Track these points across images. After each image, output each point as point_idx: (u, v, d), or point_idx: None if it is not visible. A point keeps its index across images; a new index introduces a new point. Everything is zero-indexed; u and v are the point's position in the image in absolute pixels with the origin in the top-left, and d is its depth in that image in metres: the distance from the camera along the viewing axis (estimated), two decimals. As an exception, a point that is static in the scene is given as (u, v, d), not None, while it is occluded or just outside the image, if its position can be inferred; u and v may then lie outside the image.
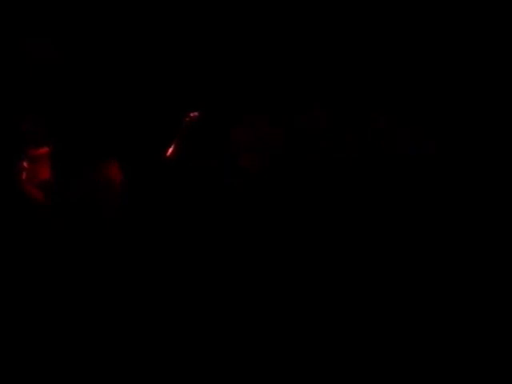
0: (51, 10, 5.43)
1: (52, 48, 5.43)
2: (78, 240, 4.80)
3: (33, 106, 5.30)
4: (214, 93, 5.42)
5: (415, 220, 4.74)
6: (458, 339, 4.21)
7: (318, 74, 5.46)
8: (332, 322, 4.34)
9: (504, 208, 4.74)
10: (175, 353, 4.21)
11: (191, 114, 5.32)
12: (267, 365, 4.16)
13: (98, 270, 4.65)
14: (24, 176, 5.10)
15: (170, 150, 5.25)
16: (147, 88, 5.47)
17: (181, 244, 4.77)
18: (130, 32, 5.50)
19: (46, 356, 4.15)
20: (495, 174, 4.89)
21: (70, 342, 4.23)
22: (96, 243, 4.78)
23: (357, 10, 5.47)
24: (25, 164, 5.12)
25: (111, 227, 4.86)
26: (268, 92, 5.38)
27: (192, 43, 5.50)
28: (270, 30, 5.47)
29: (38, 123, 5.23)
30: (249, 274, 4.59)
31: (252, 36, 5.45)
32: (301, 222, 4.81)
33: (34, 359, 4.13)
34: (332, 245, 4.68)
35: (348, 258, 4.62)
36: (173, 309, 4.45)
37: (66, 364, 4.14)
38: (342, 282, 4.52)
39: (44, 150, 5.16)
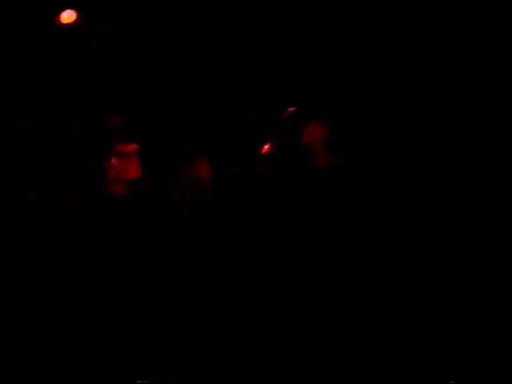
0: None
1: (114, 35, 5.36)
2: (162, 238, 4.70)
3: (121, 102, 5.23)
4: (310, 87, 5.29)
5: (415, 220, 4.73)
6: (458, 339, 4.21)
7: (317, 75, 5.45)
8: (333, 323, 4.33)
9: (504, 208, 4.74)
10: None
11: (289, 109, 5.12)
12: (267, 365, 4.16)
13: (181, 267, 4.55)
14: (112, 173, 5.01)
15: (265, 147, 5.08)
16: (239, 83, 5.37)
17: (266, 248, 4.64)
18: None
19: (46, 356, 4.15)
20: (495, 174, 4.88)
21: (78, 344, 4.19)
22: (182, 241, 4.67)
23: (357, 10, 5.46)
24: (113, 161, 5.04)
25: (197, 226, 4.74)
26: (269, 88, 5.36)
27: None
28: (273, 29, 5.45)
29: (126, 119, 5.14)
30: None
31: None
32: (302, 222, 4.79)
33: (34, 359, 4.12)
34: (332, 245, 4.67)
35: (348, 257, 4.61)
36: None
37: (66, 364, 4.13)
38: (342, 283, 4.51)
39: (133, 146, 5.07)
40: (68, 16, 5.35)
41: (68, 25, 5.37)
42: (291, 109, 5.08)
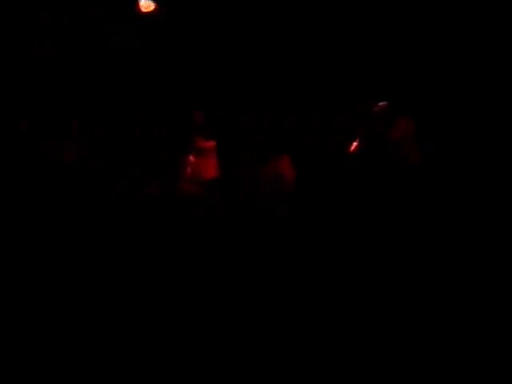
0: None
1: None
2: (239, 239, 4.45)
3: (202, 100, 5.10)
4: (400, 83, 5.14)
5: (416, 219, 4.71)
6: (457, 339, 4.20)
7: (320, 76, 5.45)
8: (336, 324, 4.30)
9: (504, 208, 4.72)
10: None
11: (380, 104, 4.82)
12: (267, 365, 4.14)
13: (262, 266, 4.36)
14: (188, 170, 4.86)
15: (354, 144, 4.82)
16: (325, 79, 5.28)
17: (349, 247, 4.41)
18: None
19: (46, 356, 4.14)
20: (496, 173, 4.87)
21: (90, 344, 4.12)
22: (262, 242, 4.41)
23: (360, 11, 5.47)
24: (191, 158, 4.89)
25: (279, 224, 4.50)
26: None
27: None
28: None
29: (208, 116, 4.99)
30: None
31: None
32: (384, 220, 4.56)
33: (34, 359, 4.11)
34: (335, 244, 4.60)
35: (350, 256, 4.57)
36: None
37: (66, 364, 4.12)
38: (346, 281, 4.47)
39: (211, 143, 4.90)
40: (147, 5, 5.30)
41: (144, 14, 5.33)
42: (382, 103, 4.82)
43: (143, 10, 5.27)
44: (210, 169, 4.84)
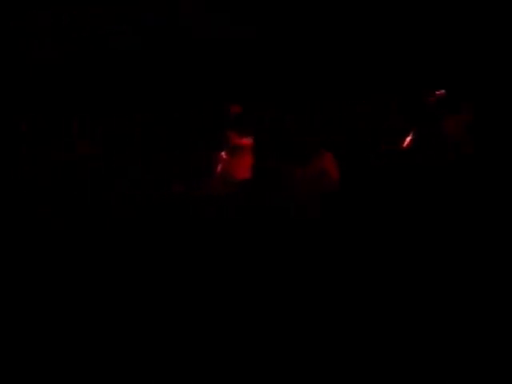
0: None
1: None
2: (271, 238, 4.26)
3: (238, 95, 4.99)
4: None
5: (422, 219, 4.67)
6: (458, 339, 4.19)
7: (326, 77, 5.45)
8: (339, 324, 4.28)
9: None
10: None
11: (437, 92, 4.59)
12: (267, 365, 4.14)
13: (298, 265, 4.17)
14: (219, 168, 4.63)
15: (408, 139, 4.59)
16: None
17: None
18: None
19: (46, 356, 4.14)
20: (502, 173, 4.83)
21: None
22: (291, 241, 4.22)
23: (371, 14, 5.48)
24: (223, 155, 4.64)
25: (319, 224, 4.28)
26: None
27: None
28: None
29: (244, 111, 4.73)
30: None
31: None
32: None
33: (34, 359, 4.11)
34: (385, 244, 4.51)
35: (356, 255, 4.52)
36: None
37: (66, 364, 4.12)
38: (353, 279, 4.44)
39: (248, 140, 4.62)
40: None
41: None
42: (439, 92, 4.59)
43: None
44: (244, 168, 4.59)
